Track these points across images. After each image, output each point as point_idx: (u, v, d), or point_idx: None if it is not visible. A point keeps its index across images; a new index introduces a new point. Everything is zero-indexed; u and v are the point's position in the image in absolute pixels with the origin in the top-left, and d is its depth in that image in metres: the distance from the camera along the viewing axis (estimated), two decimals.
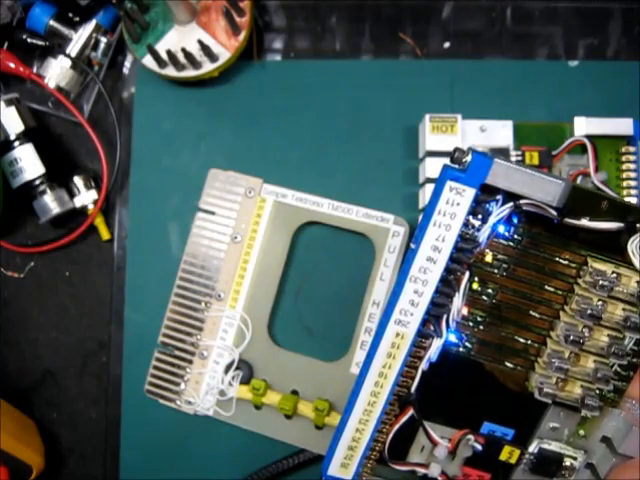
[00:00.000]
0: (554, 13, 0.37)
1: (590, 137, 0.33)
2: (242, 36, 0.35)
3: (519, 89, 0.36)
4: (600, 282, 0.25)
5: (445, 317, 0.25)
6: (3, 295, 0.38)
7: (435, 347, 0.26)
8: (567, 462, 0.28)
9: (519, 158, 0.33)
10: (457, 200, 0.24)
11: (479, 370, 0.27)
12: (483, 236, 0.25)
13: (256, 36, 0.37)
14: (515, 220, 0.25)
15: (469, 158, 0.24)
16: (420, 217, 0.34)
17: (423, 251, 0.25)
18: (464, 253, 0.25)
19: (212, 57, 0.35)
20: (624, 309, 0.25)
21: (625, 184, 0.33)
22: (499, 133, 0.34)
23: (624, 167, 0.34)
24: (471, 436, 0.28)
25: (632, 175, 0.33)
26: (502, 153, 0.34)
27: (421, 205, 0.35)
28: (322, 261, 0.36)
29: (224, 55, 0.35)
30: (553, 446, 0.28)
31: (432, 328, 0.26)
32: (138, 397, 0.35)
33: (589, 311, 0.25)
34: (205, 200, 0.35)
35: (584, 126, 0.33)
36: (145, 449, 0.35)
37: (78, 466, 0.37)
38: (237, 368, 0.34)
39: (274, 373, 0.34)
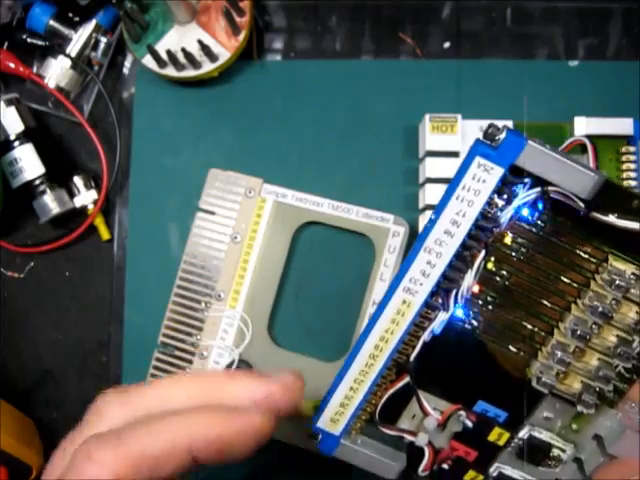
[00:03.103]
0: (554, 13, 0.37)
1: (590, 137, 0.33)
2: (242, 36, 0.35)
3: (519, 89, 0.36)
4: (617, 282, 0.24)
5: (454, 292, 0.25)
6: (3, 295, 0.38)
7: (440, 320, 0.26)
8: (555, 452, 0.28)
9: None
10: (484, 177, 0.23)
11: (481, 349, 0.27)
12: (505, 217, 0.24)
13: (256, 36, 0.37)
14: (540, 206, 0.25)
15: (502, 136, 0.23)
16: (420, 217, 0.34)
17: (442, 223, 0.24)
18: (483, 231, 0.24)
19: (212, 57, 0.35)
20: (638, 312, 0.25)
21: (625, 184, 0.33)
22: None
23: (624, 167, 0.33)
24: (463, 412, 0.28)
25: (632, 175, 0.33)
26: None
27: (421, 205, 0.35)
28: (322, 261, 0.35)
29: (224, 55, 0.35)
30: (544, 435, 0.28)
31: (440, 301, 0.25)
32: None
33: (600, 309, 0.25)
34: (205, 200, 0.35)
35: (584, 126, 0.33)
36: None
37: None
38: (237, 368, 0.34)
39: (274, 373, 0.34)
